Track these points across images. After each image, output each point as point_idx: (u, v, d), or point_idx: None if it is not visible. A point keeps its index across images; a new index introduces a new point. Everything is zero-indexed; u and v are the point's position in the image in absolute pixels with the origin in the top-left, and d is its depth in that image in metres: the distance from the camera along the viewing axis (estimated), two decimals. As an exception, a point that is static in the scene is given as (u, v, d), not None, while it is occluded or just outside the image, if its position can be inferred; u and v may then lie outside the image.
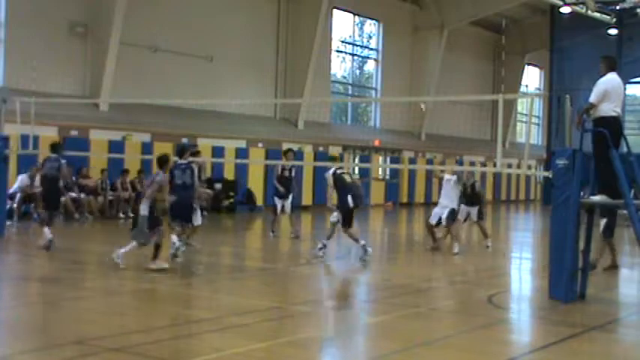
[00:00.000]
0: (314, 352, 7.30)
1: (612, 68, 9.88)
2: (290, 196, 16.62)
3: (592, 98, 9.61)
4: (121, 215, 20.40)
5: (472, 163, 34.04)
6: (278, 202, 16.68)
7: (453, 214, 14.62)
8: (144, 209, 11.00)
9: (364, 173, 29.99)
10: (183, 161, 12.79)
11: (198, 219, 13.05)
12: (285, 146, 26.46)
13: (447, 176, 15.17)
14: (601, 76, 9.78)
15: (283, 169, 16.49)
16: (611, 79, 9.74)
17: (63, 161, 13.48)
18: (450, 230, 14.92)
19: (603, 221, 12.81)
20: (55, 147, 13.73)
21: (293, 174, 16.57)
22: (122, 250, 11.04)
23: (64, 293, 9.57)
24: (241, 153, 24.75)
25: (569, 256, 9.48)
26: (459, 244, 14.69)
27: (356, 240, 13.17)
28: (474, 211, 15.71)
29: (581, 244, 9.84)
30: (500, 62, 40.65)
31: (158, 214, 11.24)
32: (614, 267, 12.92)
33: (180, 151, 13.23)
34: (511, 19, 39.54)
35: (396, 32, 33.32)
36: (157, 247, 11.09)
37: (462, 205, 16.07)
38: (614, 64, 9.98)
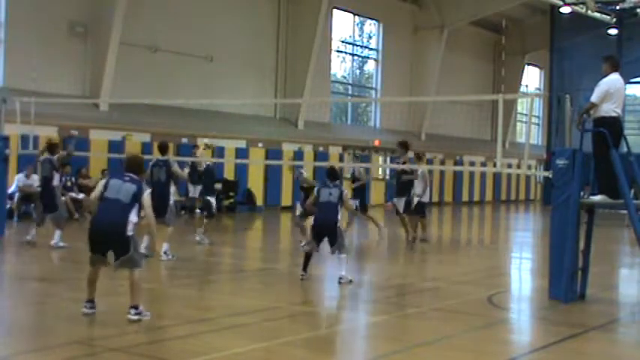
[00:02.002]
0: (314, 352, 7.30)
1: (616, 68, 9.86)
2: (406, 195, 15.51)
3: (593, 98, 9.60)
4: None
5: (472, 163, 34.12)
6: (397, 201, 15.79)
7: (422, 206, 15.75)
8: (339, 220, 10.66)
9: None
10: (161, 158, 12.75)
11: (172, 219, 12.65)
12: (285, 146, 26.55)
13: None
14: (604, 76, 9.76)
15: (403, 165, 15.23)
16: (614, 79, 9.72)
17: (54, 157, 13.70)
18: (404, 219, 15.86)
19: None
20: (50, 147, 13.85)
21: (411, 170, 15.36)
22: (344, 273, 10.54)
23: (64, 293, 9.57)
24: (241, 153, 24.74)
25: (569, 257, 9.48)
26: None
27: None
28: (401, 202, 15.78)
29: (581, 244, 9.84)
30: (500, 62, 40.64)
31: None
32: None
33: (163, 147, 12.96)
34: (511, 19, 39.54)
35: (396, 32, 33.32)
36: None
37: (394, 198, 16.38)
38: (617, 65, 9.94)
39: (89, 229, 7.89)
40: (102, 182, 8.08)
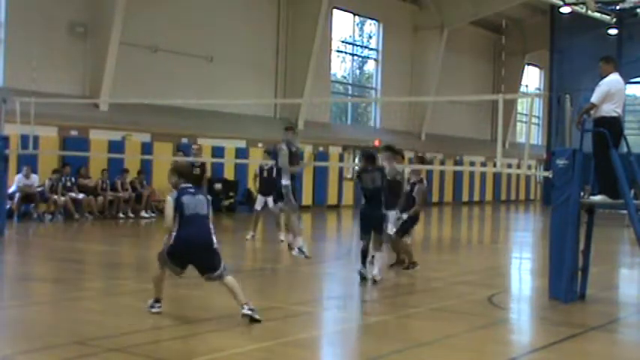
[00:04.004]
0: (314, 352, 7.31)
1: (616, 68, 9.87)
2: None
3: (593, 98, 9.60)
4: (121, 215, 20.39)
5: (472, 163, 34.13)
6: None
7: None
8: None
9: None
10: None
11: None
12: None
13: None
14: (601, 77, 9.76)
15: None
16: (615, 79, 9.72)
17: None
18: None
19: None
20: None
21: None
22: (376, 272, 10.69)
23: (64, 293, 9.57)
24: (241, 153, 24.75)
25: (569, 256, 9.48)
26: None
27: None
28: (270, 200, 15.50)
29: (581, 244, 9.84)
30: (500, 62, 40.63)
31: None
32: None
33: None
34: (511, 19, 39.53)
35: (396, 32, 33.32)
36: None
37: (259, 195, 16.18)
38: (617, 65, 9.97)
39: (178, 246, 7.93)
40: (171, 200, 7.90)
